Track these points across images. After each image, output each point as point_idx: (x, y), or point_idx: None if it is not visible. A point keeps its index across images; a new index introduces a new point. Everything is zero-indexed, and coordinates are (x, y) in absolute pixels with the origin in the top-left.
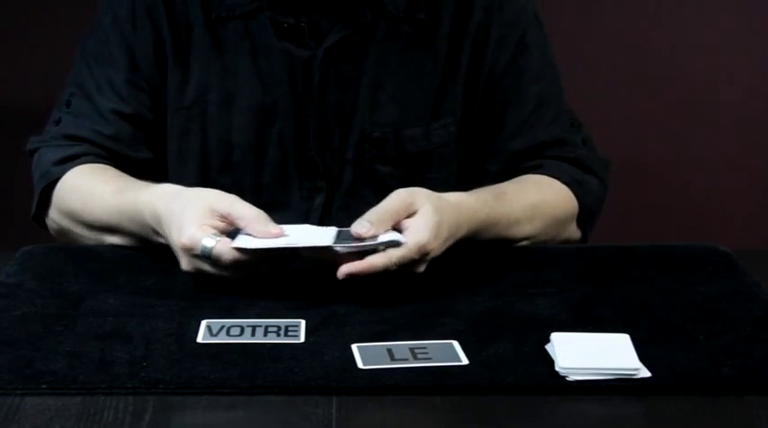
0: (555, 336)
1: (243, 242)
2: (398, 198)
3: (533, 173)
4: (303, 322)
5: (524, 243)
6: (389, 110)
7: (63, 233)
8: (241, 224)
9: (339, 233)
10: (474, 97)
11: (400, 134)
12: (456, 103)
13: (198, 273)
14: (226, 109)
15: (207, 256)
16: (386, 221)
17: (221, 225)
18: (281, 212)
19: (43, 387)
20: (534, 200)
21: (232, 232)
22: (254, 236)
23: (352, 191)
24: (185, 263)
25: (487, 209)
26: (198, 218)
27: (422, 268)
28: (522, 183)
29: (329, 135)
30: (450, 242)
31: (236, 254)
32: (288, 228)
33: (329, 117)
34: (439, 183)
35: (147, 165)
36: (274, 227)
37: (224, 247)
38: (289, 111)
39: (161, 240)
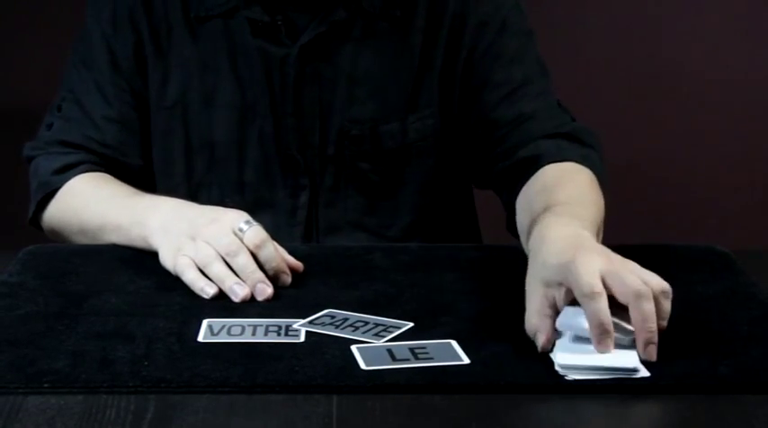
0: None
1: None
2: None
3: (546, 164)
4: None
5: None
6: (366, 106)
7: (61, 236)
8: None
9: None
10: (452, 86)
11: (378, 130)
12: (433, 95)
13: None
14: (206, 107)
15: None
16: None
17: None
18: (267, 211)
19: (45, 385)
20: (590, 199)
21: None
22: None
23: (335, 188)
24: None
25: (588, 232)
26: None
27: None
28: (568, 185)
29: (308, 133)
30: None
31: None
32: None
33: (307, 115)
34: (417, 178)
35: (141, 173)
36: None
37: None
38: (267, 109)
39: (152, 218)
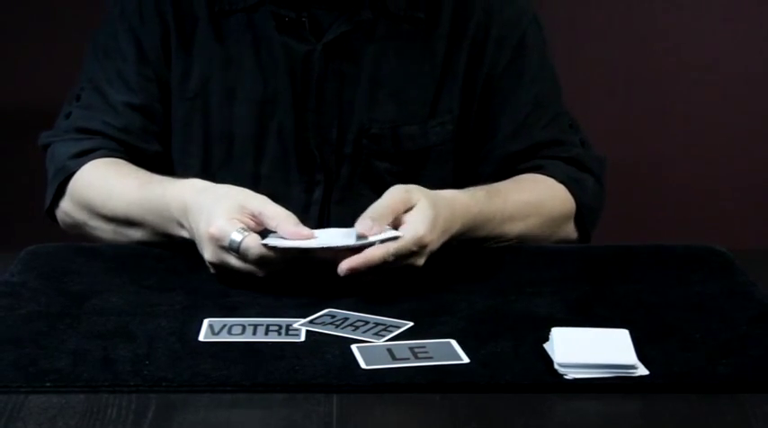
0: (555, 331)
1: (272, 241)
2: (397, 193)
3: (529, 174)
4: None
5: (518, 240)
6: (387, 107)
7: (76, 226)
8: (271, 224)
9: (359, 234)
10: (472, 97)
11: (398, 131)
12: (454, 103)
13: (220, 265)
14: (227, 100)
15: (234, 249)
16: (386, 216)
17: (251, 223)
18: (280, 205)
19: (47, 385)
20: (528, 198)
21: (261, 233)
22: (284, 237)
23: (349, 186)
24: (209, 254)
25: (480, 205)
26: (228, 212)
27: (421, 261)
28: (518, 182)
29: (327, 129)
30: (446, 237)
31: (264, 250)
32: (316, 232)
33: (327, 111)
34: (435, 181)
35: (158, 159)
36: (304, 229)
37: (252, 242)
38: (288, 104)
39: (183, 233)
